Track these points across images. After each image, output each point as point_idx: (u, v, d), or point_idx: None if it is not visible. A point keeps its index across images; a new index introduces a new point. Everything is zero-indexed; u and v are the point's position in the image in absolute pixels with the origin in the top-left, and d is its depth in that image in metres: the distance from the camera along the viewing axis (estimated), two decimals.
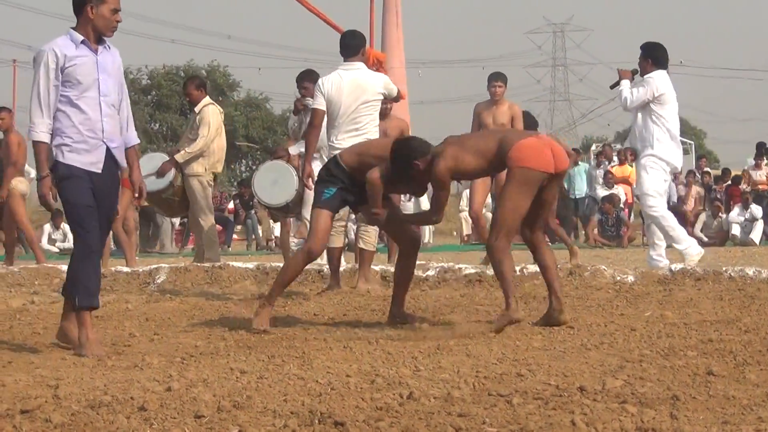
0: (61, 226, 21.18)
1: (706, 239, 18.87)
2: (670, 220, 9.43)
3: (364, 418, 3.62)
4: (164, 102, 50.80)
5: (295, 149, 10.30)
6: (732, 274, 8.37)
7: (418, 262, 9.64)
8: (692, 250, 9.40)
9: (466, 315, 6.85)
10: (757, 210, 18.85)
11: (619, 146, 26.37)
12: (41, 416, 3.72)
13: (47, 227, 21.31)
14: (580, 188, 21.10)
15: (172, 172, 10.50)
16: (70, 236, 20.71)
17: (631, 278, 8.44)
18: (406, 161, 6.20)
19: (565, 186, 20.63)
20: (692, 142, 39.02)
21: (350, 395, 4.02)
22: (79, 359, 5.31)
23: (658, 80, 9.41)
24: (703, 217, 19.47)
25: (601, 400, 3.88)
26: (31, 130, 5.56)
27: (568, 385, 4.16)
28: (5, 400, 4.00)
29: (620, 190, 21.05)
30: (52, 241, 20.94)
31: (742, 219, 18.87)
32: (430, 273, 8.95)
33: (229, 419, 3.65)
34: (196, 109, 10.65)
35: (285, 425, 3.53)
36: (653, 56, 9.51)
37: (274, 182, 9.82)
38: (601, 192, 20.63)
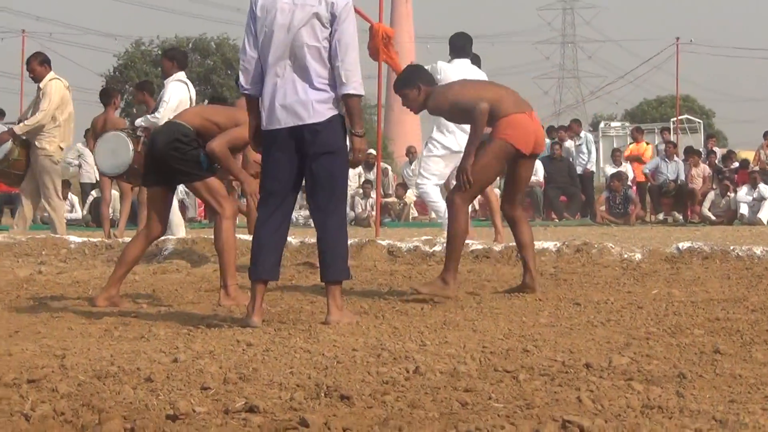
0: (69, 196, 21.06)
1: (713, 218, 18.84)
2: (433, 196, 9.98)
3: (370, 392, 3.62)
4: None
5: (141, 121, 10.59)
6: (740, 253, 8.35)
7: (425, 237, 9.67)
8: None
9: (472, 290, 6.84)
10: (765, 189, 18.77)
11: (627, 124, 26.25)
12: (48, 386, 3.73)
13: None
14: (582, 161, 20.64)
15: (9, 143, 10.76)
16: (77, 207, 20.81)
17: (638, 256, 8.42)
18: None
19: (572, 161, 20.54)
20: (701, 122, 38.87)
21: (356, 369, 4.02)
22: (86, 329, 5.32)
23: (444, 69, 9.58)
24: (711, 195, 19.41)
25: (608, 377, 3.87)
26: (358, 84, 5.26)
27: (574, 361, 4.15)
28: (12, 369, 4.01)
29: (628, 168, 20.98)
30: None
31: (750, 198, 18.81)
32: (437, 248, 8.92)
33: (235, 391, 3.65)
34: (41, 85, 10.84)
35: (291, 398, 3.54)
36: (451, 45, 10.00)
37: (112, 152, 9.88)
38: (609, 170, 20.56)
